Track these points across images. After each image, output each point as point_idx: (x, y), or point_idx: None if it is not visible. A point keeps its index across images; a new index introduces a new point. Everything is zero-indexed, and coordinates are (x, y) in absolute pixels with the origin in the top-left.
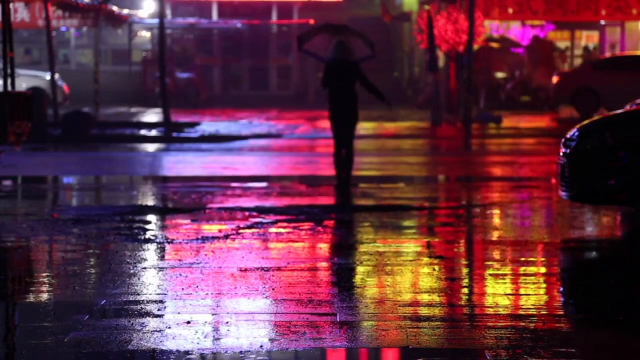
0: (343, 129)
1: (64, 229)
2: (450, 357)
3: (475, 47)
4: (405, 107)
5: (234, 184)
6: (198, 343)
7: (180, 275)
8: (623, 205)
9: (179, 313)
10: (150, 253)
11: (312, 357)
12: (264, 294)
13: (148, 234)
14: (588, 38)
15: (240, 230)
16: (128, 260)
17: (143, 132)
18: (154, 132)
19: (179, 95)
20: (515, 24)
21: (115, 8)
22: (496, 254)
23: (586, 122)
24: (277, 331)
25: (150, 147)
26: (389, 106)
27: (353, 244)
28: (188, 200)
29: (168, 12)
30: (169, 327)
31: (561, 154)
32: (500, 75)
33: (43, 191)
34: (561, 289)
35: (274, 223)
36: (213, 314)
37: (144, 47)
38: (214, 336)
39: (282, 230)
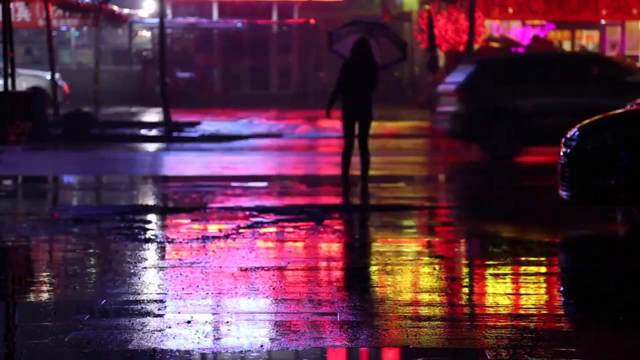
0: (358, 129)
1: (65, 229)
2: (450, 356)
3: (476, 46)
4: (405, 107)
5: (234, 184)
6: (198, 343)
7: (181, 274)
8: (623, 205)
9: (179, 313)
10: (150, 253)
11: (313, 357)
12: (264, 293)
13: (148, 234)
14: (588, 38)
15: (241, 230)
16: (128, 259)
17: (143, 131)
18: (154, 132)
19: (180, 95)
20: (515, 24)
21: (115, 8)
22: (496, 254)
23: (586, 122)
24: (277, 331)
25: (151, 147)
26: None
27: (353, 243)
28: (188, 199)
29: (168, 11)
30: (170, 327)
31: (561, 153)
32: None
33: (43, 191)
34: (561, 288)
35: (274, 223)
36: (213, 314)
37: (144, 47)
38: (214, 336)
39: (282, 229)
